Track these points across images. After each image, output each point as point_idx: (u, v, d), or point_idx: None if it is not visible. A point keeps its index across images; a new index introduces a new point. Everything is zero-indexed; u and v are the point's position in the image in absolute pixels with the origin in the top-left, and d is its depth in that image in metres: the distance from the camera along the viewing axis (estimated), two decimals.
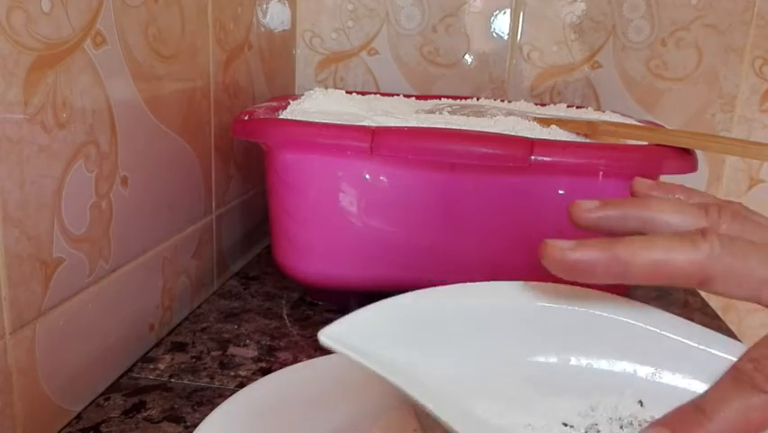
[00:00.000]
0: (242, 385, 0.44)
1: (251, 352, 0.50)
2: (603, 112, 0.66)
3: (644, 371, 0.30)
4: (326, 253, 0.54)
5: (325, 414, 0.40)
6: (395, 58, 0.83)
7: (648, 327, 0.30)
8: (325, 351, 0.51)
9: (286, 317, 0.57)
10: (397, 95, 0.70)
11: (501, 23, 0.81)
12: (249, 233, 0.72)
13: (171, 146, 0.53)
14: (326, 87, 0.80)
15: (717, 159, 0.81)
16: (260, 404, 0.40)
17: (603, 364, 0.30)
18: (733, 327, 0.64)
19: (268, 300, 0.60)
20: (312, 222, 0.53)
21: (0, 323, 0.35)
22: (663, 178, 0.52)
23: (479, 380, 0.28)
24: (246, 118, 0.53)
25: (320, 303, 0.59)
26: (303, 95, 0.60)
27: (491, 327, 0.30)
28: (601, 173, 0.50)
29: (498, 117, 0.56)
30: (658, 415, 0.26)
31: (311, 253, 0.55)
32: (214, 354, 0.50)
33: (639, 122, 0.61)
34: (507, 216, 0.52)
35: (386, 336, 0.27)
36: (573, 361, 0.30)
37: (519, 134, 0.51)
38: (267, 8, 0.73)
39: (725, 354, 0.28)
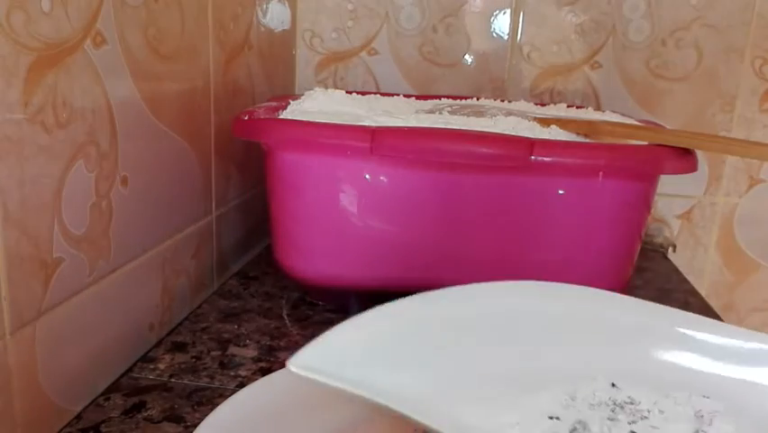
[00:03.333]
0: (242, 385, 0.44)
1: (251, 352, 0.50)
2: (603, 112, 0.65)
3: (609, 354, 0.30)
4: (326, 253, 0.54)
5: (326, 414, 0.40)
6: (395, 58, 0.83)
7: (608, 311, 0.31)
8: None
9: (286, 317, 0.57)
10: (397, 95, 0.70)
11: (501, 23, 0.81)
12: (249, 233, 0.72)
13: (171, 146, 0.53)
14: (326, 87, 0.80)
15: (717, 159, 0.81)
16: (260, 404, 0.40)
17: (571, 354, 0.31)
18: None
19: (268, 300, 0.60)
20: (312, 222, 0.53)
21: (0, 323, 0.35)
22: (663, 178, 0.52)
23: (460, 386, 0.28)
24: (246, 118, 0.53)
25: (320, 303, 0.59)
26: (303, 95, 0.60)
27: (464, 333, 0.30)
28: (601, 173, 0.50)
29: (498, 117, 0.56)
30: (634, 394, 0.27)
31: (311, 253, 0.55)
32: (214, 354, 0.50)
33: (639, 122, 0.61)
34: (507, 216, 0.52)
35: (357, 355, 0.26)
36: (544, 355, 0.31)
37: (519, 134, 0.51)
38: (267, 8, 0.73)
39: (686, 329, 0.30)
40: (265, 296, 0.61)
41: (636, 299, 0.31)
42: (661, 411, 0.27)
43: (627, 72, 0.80)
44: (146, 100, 0.48)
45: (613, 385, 0.29)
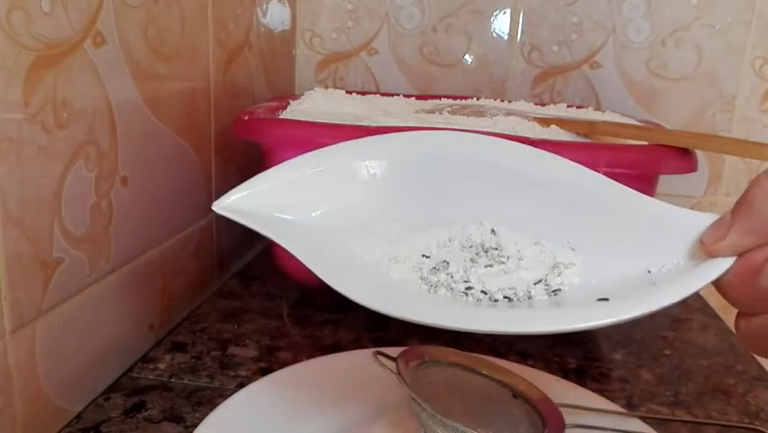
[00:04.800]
0: (242, 385, 0.44)
1: (251, 352, 0.50)
2: (603, 112, 0.65)
3: (507, 201, 0.33)
4: None
5: (326, 414, 0.40)
6: (395, 58, 0.83)
7: (510, 160, 0.33)
8: (326, 351, 0.52)
9: (286, 317, 0.57)
10: (397, 95, 0.70)
11: (501, 23, 0.81)
12: (249, 233, 0.71)
13: (171, 146, 0.53)
14: (326, 87, 0.80)
15: (717, 159, 0.81)
16: (260, 404, 0.40)
17: (472, 199, 0.33)
18: (733, 327, 0.64)
19: (268, 300, 0.60)
20: None
21: (0, 323, 0.35)
22: (663, 178, 0.52)
23: (357, 224, 0.32)
24: (246, 118, 0.53)
25: (320, 303, 0.59)
26: (303, 95, 0.60)
27: (372, 180, 0.34)
28: (601, 173, 0.49)
29: (498, 117, 0.56)
30: (504, 242, 0.31)
31: None
32: (214, 354, 0.50)
33: (639, 122, 0.61)
34: None
35: (271, 200, 0.32)
36: (447, 199, 0.33)
37: (519, 134, 0.51)
38: (267, 8, 0.73)
39: (579, 178, 0.32)
40: (265, 296, 0.61)
41: (552, 155, 0.33)
42: (520, 259, 0.30)
43: (627, 72, 0.80)
44: (146, 100, 0.48)
45: (492, 231, 0.31)
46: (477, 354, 0.40)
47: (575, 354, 0.53)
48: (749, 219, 0.25)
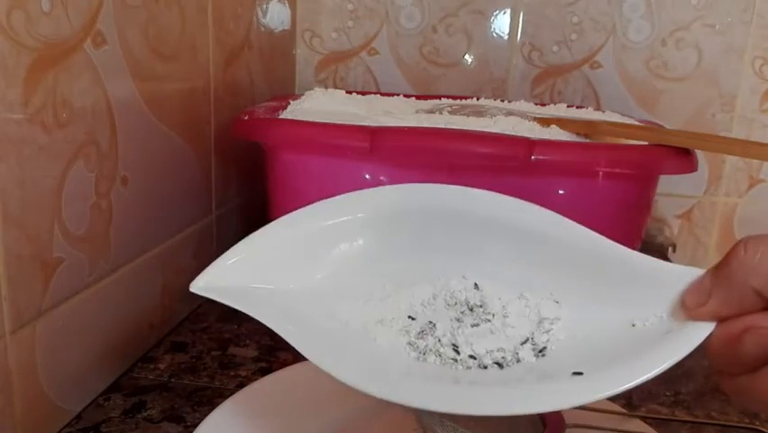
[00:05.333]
0: (242, 385, 0.44)
1: (251, 352, 0.50)
2: (603, 112, 0.65)
3: (486, 254, 0.32)
4: None
5: (325, 414, 0.40)
6: (395, 58, 0.83)
7: (491, 214, 0.33)
8: None
9: None
10: (398, 95, 0.70)
11: (501, 23, 0.81)
12: (249, 233, 0.71)
13: (171, 146, 0.53)
14: (326, 87, 0.80)
15: (717, 159, 0.81)
16: (260, 404, 0.40)
17: (453, 253, 0.33)
18: None
19: None
20: None
21: (0, 323, 0.35)
22: (663, 178, 0.52)
23: (338, 285, 0.32)
24: (246, 118, 0.53)
25: None
26: (303, 95, 0.60)
27: (350, 238, 0.33)
28: (601, 173, 0.50)
29: (498, 117, 0.56)
30: (488, 298, 0.30)
31: None
32: (214, 354, 0.50)
33: (639, 122, 0.61)
34: None
35: (247, 272, 0.31)
36: (426, 253, 0.33)
37: (519, 134, 0.51)
38: (267, 8, 0.73)
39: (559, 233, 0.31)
40: None
41: (532, 205, 0.33)
42: (505, 316, 0.30)
43: (627, 72, 0.80)
44: (146, 100, 0.48)
45: (476, 286, 0.31)
46: None
47: None
48: (728, 291, 0.25)
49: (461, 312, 0.30)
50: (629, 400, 0.46)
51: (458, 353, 0.29)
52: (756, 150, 0.45)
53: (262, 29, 0.72)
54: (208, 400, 0.43)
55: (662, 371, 0.25)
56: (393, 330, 0.30)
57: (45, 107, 0.37)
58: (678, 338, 0.26)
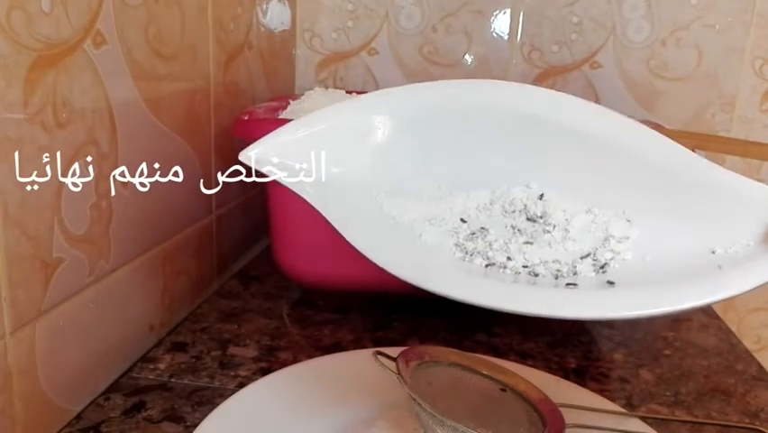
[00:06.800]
0: (242, 385, 0.44)
1: (251, 352, 0.50)
2: None
3: (553, 160, 0.29)
4: (326, 253, 0.54)
5: (325, 414, 0.40)
6: (395, 58, 0.83)
7: (566, 125, 0.30)
8: (326, 351, 0.52)
9: (286, 317, 0.57)
10: None
11: (501, 23, 0.81)
12: (249, 233, 0.72)
13: (171, 146, 0.53)
14: (326, 87, 0.80)
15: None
16: (260, 404, 0.40)
17: (517, 154, 0.30)
18: (733, 327, 0.64)
19: (268, 300, 0.60)
20: (312, 222, 0.53)
21: (0, 323, 0.35)
22: None
23: (394, 180, 0.29)
24: (246, 118, 0.53)
25: (320, 303, 0.59)
26: (303, 95, 0.60)
27: (413, 131, 0.30)
28: None
29: None
30: (551, 209, 0.27)
31: (311, 253, 0.55)
32: (214, 354, 0.50)
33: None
34: None
35: (297, 152, 0.29)
36: (488, 158, 0.30)
37: None
38: (267, 8, 0.73)
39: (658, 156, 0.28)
40: (265, 296, 0.61)
41: (612, 112, 0.30)
42: (567, 229, 0.27)
43: (627, 72, 0.80)
44: (146, 100, 0.48)
45: (540, 196, 0.29)
46: (477, 354, 0.40)
47: (575, 354, 0.53)
48: None
49: (519, 221, 0.28)
50: (629, 400, 0.46)
51: (509, 259, 0.26)
52: (756, 150, 0.45)
53: (262, 29, 0.72)
54: (208, 400, 0.43)
55: (750, 288, 0.22)
56: (441, 230, 0.28)
57: (45, 107, 0.37)
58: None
